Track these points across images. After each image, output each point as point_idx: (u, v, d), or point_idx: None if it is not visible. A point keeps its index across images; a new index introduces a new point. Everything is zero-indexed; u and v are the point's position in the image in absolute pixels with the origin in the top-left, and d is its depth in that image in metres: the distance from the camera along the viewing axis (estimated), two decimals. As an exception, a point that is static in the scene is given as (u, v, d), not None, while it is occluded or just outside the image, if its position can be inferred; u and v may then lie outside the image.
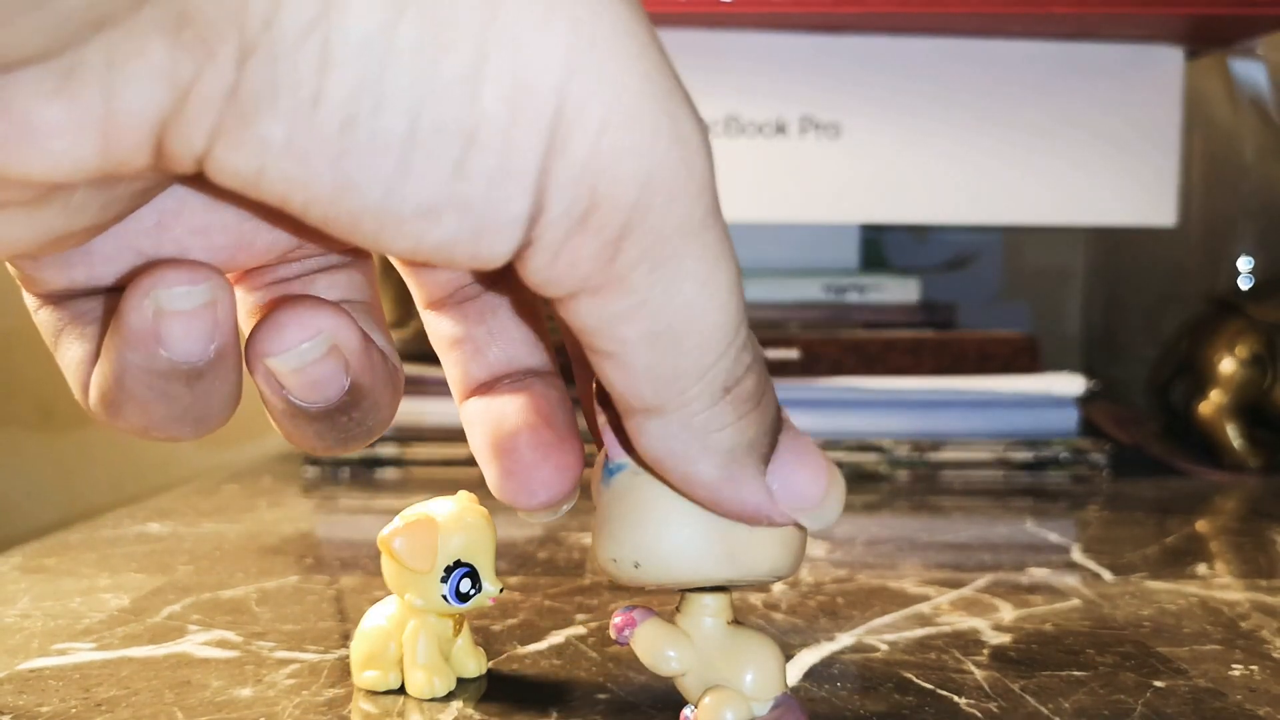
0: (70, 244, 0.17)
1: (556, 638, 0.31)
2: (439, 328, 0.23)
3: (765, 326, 0.61)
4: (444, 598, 0.25)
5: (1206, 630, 0.32)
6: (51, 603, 0.34)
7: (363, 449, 0.21)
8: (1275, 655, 0.29)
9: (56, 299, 0.19)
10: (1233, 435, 0.61)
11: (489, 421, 0.22)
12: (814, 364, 0.58)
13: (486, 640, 0.30)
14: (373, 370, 0.19)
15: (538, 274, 0.16)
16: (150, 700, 0.26)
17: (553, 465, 0.21)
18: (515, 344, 0.23)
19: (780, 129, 0.58)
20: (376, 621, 0.27)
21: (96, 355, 0.19)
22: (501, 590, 0.26)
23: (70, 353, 0.19)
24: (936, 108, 0.58)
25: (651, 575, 0.20)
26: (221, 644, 0.30)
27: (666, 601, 0.34)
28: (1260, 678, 0.28)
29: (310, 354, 0.18)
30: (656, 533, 0.20)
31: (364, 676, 0.27)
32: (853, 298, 0.64)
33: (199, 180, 0.16)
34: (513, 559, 0.39)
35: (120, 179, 0.16)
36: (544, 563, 0.39)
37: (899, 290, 0.64)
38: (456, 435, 0.56)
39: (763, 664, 0.22)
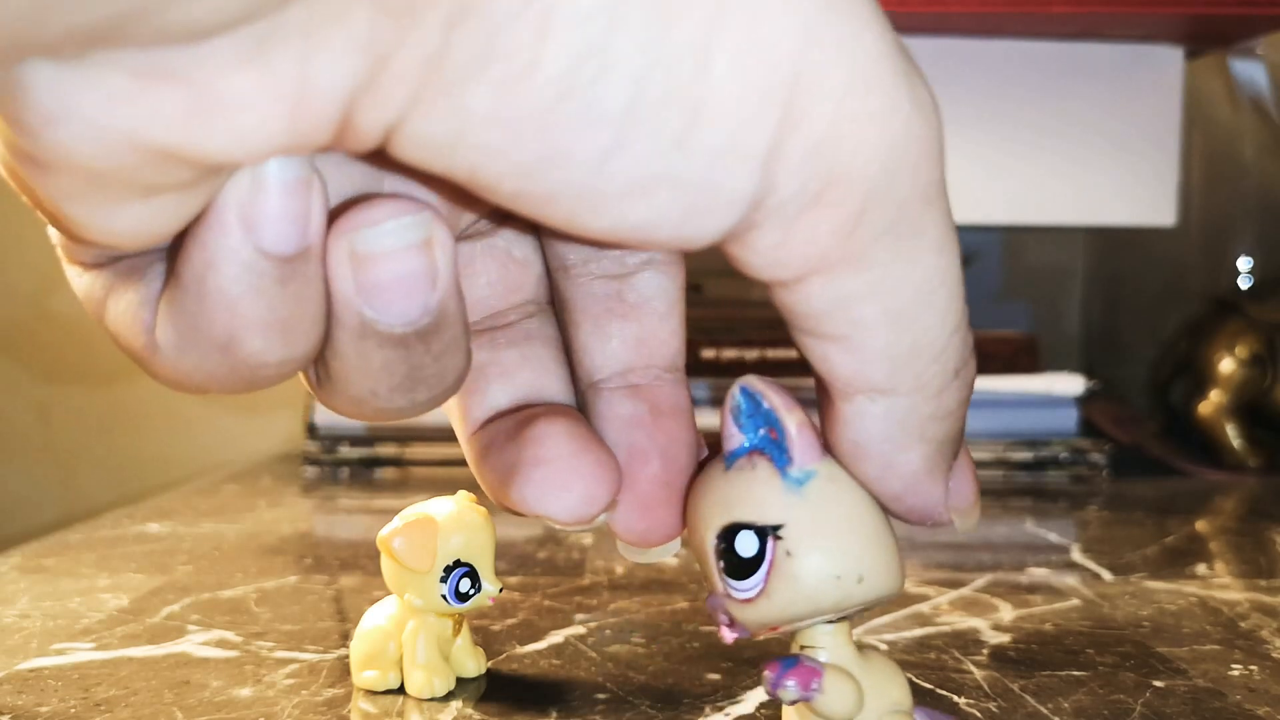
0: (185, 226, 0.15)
1: (556, 637, 0.31)
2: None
3: (765, 327, 0.61)
4: (443, 598, 0.25)
5: (1206, 630, 0.32)
6: (51, 603, 0.34)
7: (410, 417, 0.18)
8: (1275, 655, 0.29)
9: (110, 262, 0.17)
10: (1232, 435, 0.61)
11: (513, 427, 0.19)
12: (814, 364, 0.58)
13: (486, 640, 0.30)
14: (458, 296, 0.16)
15: (762, 255, 0.15)
16: (149, 700, 0.26)
17: (593, 459, 0.18)
18: (546, 375, 0.20)
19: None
20: (376, 621, 0.27)
21: (159, 297, 0.16)
22: (501, 590, 0.26)
23: (127, 298, 0.16)
24: (936, 108, 0.58)
25: (868, 591, 0.18)
26: (221, 644, 0.30)
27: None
28: (1260, 678, 0.28)
29: (405, 235, 0.15)
30: (878, 544, 0.18)
31: (363, 676, 0.27)
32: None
33: (374, 156, 0.14)
34: (512, 559, 0.39)
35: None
36: (544, 563, 0.39)
37: (899, 290, 0.64)
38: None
39: (901, 679, 0.20)
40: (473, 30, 0.13)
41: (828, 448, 0.19)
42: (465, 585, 0.25)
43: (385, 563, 0.26)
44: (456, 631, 0.27)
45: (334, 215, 0.15)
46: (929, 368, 0.16)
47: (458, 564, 0.25)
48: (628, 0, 0.13)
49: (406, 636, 0.26)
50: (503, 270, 0.21)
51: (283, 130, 0.13)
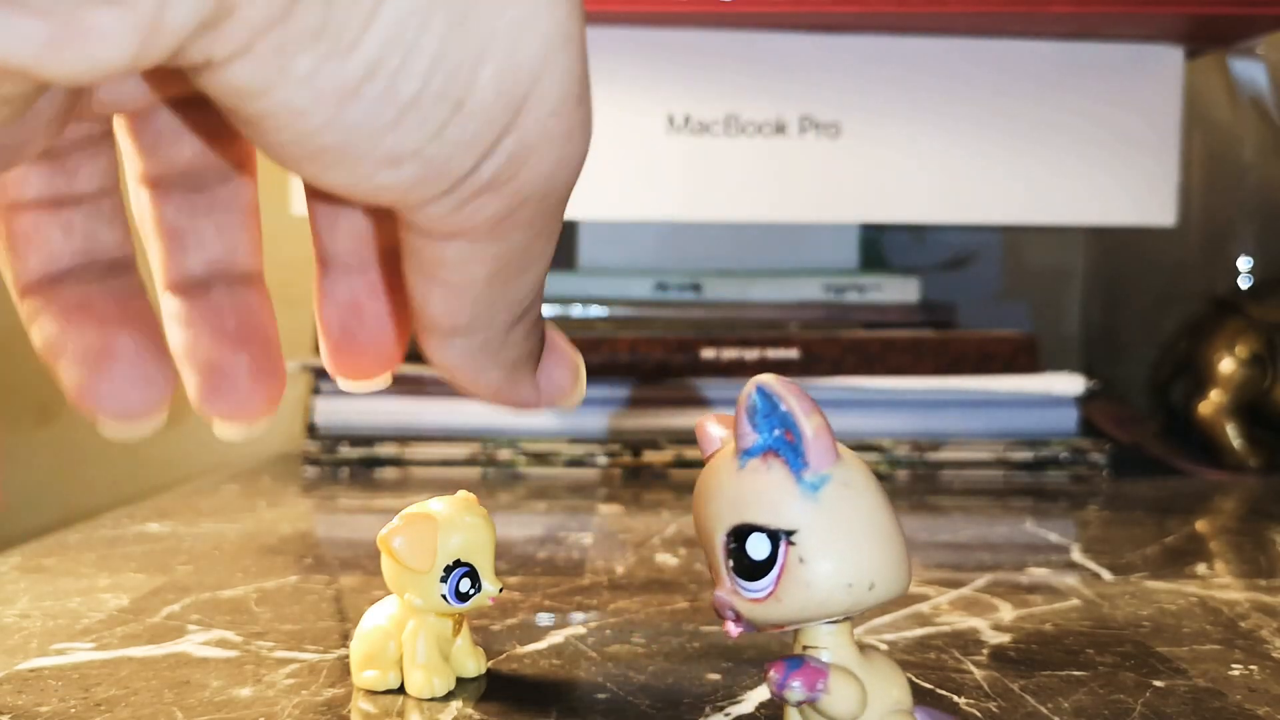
0: None
1: (556, 637, 0.31)
2: (158, 211, 0.22)
3: (765, 326, 0.61)
4: (443, 597, 0.25)
5: (1206, 630, 0.32)
6: (50, 603, 0.34)
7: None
8: (1275, 655, 0.29)
9: None
10: (1232, 435, 0.61)
11: (205, 328, 0.22)
12: (814, 364, 0.58)
13: (486, 640, 0.30)
14: None
15: (427, 215, 0.17)
16: (149, 700, 0.26)
17: (270, 386, 0.22)
18: (240, 245, 0.23)
19: (780, 129, 0.58)
20: (376, 621, 0.27)
21: None
22: (501, 590, 0.26)
23: None
24: (936, 108, 0.58)
25: (878, 596, 0.18)
26: (221, 644, 0.30)
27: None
28: (1260, 678, 0.28)
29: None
30: (889, 550, 0.18)
31: (363, 676, 0.26)
32: (852, 297, 0.64)
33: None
34: (512, 559, 0.39)
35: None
36: (543, 563, 0.39)
37: (899, 290, 0.64)
38: (456, 435, 0.57)
39: (901, 679, 0.20)
40: (316, 4, 0.14)
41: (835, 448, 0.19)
42: (465, 585, 0.25)
43: (385, 562, 0.26)
44: (456, 631, 0.27)
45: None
46: (501, 315, 0.19)
47: (458, 564, 0.25)
48: (438, 7, 0.15)
49: (406, 636, 0.26)
50: (211, 136, 0.22)
51: (130, 58, 0.14)
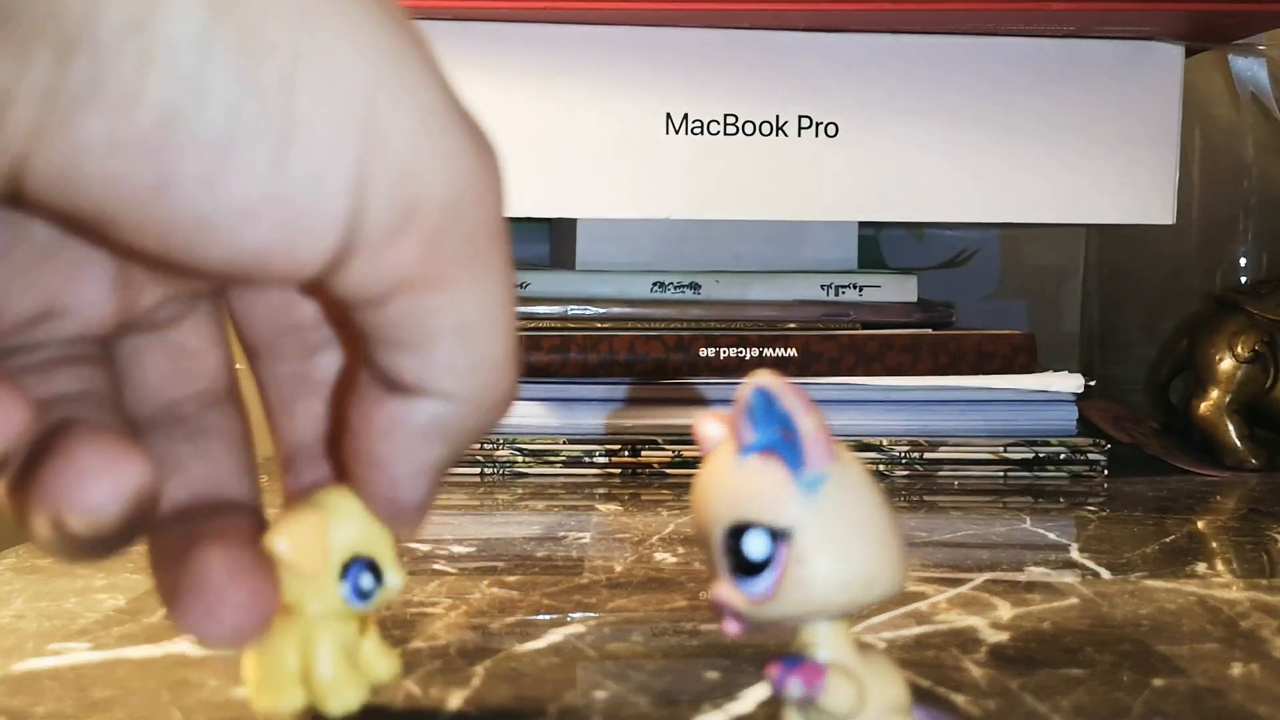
0: None
1: (555, 636, 0.30)
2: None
3: (763, 325, 0.61)
4: (344, 598, 0.22)
5: (1205, 629, 0.32)
6: (46, 603, 0.34)
7: None
8: (1275, 654, 0.29)
9: None
10: (1232, 434, 0.61)
11: (183, 543, 0.20)
12: (811, 362, 0.58)
13: (485, 639, 0.30)
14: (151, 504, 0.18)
15: (360, 275, 0.17)
16: (147, 700, 0.26)
17: (248, 589, 0.20)
18: (221, 469, 0.22)
19: (778, 128, 0.58)
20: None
21: None
22: (404, 578, 0.23)
23: None
24: (934, 106, 0.58)
25: (875, 595, 0.18)
26: (218, 644, 0.30)
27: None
28: (1260, 677, 0.28)
29: (117, 513, 0.17)
30: (886, 548, 0.18)
31: (261, 698, 0.23)
32: (850, 296, 0.64)
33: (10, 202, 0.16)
34: (511, 558, 0.39)
35: None
36: (542, 561, 0.39)
37: (897, 289, 0.64)
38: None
39: (899, 677, 0.20)
40: (83, 61, 0.14)
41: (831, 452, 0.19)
42: (367, 581, 0.22)
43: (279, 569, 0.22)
44: (363, 631, 0.23)
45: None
46: (487, 383, 0.18)
47: (355, 558, 0.22)
48: (218, 38, 0.15)
49: (307, 648, 0.23)
50: (175, 362, 0.22)
51: None
